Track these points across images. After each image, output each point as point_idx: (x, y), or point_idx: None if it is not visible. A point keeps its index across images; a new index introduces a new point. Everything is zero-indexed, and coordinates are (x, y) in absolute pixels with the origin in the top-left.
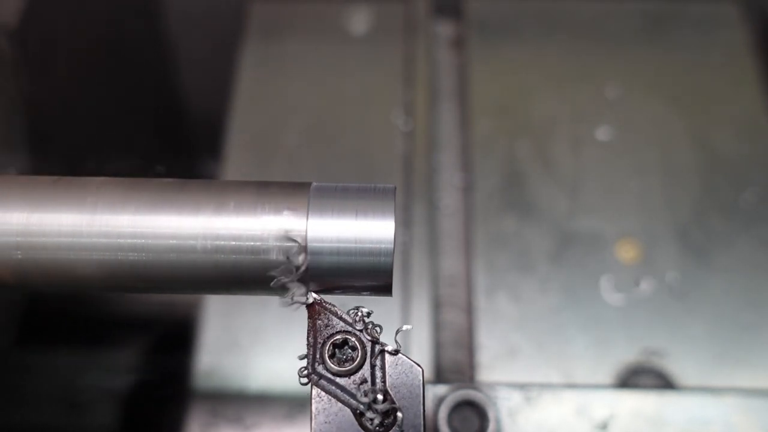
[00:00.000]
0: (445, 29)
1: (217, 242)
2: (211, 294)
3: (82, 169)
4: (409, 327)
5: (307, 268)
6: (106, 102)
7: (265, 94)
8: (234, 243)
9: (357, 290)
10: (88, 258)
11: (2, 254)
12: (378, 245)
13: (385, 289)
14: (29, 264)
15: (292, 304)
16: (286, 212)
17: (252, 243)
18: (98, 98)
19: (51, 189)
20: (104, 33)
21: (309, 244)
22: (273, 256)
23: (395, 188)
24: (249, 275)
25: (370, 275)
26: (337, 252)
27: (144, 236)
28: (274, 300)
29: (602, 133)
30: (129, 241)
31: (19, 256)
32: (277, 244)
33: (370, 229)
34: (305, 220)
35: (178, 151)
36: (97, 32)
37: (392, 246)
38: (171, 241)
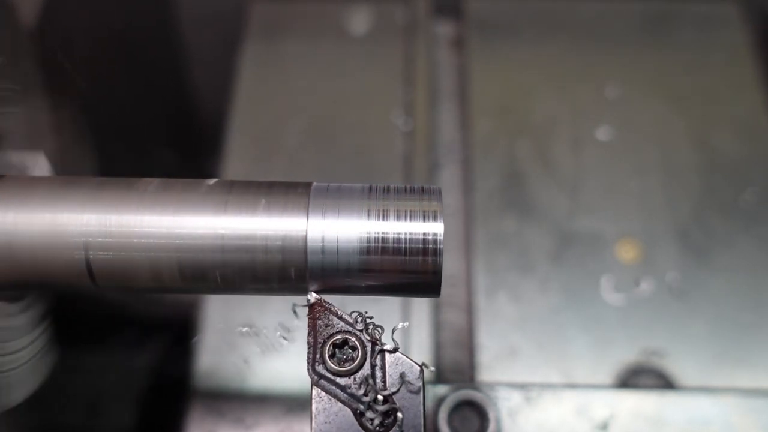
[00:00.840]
0: (445, 29)
1: (217, 242)
2: (212, 294)
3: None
4: (405, 324)
5: (306, 268)
6: (117, 101)
7: (265, 94)
8: (235, 243)
9: (357, 290)
10: (154, 257)
11: (73, 255)
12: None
13: None
14: (100, 264)
15: (293, 305)
16: (286, 212)
17: (252, 243)
18: (110, 97)
19: (99, 189)
20: (118, 32)
21: (309, 244)
22: (273, 256)
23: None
24: (249, 275)
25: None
26: (337, 252)
27: (179, 236)
28: (274, 300)
29: (602, 133)
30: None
31: (90, 256)
32: (278, 244)
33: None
34: (305, 219)
35: (182, 150)
36: (111, 31)
37: None
38: (176, 241)
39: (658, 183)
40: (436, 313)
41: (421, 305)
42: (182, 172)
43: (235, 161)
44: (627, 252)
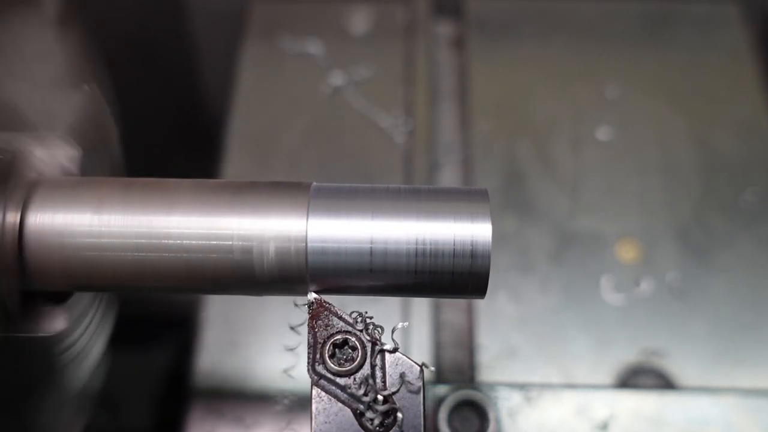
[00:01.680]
0: (445, 29)
1: (217, 242)
2: (212, 294)
3: None
4: (405, 324)
5: (307, 269)
6: (127, 100)
7: (265, 94)
8: (236, 244)
9: (356, 290)
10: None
11: (123, 255)
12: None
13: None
14: (147, 265)
15: (294, 305)
16: (286, 212)
17: (253, 243)
18: (121, 97)
19: (125, 191)
20: (132, 31)
21: (309, 244)
22: (274, 257)
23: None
24: (249, 276)
25: (369, 275)
26: (337, 252)
27: (173, 236)
28: (274, 300)
29: (602, 133)
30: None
31: (138, 257)
32: (278, 244)
33: (370, 230)
34: (305, 220)
35: (184, 149)
36: (126, 30)
37: None
38: (178, 242)
39: (658, 183)
40: (436, 313)
41: (421, 305)
42: (188, 172)
43: (235, 161)
44: (627, 252)
